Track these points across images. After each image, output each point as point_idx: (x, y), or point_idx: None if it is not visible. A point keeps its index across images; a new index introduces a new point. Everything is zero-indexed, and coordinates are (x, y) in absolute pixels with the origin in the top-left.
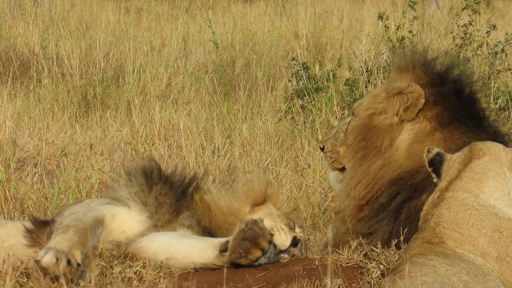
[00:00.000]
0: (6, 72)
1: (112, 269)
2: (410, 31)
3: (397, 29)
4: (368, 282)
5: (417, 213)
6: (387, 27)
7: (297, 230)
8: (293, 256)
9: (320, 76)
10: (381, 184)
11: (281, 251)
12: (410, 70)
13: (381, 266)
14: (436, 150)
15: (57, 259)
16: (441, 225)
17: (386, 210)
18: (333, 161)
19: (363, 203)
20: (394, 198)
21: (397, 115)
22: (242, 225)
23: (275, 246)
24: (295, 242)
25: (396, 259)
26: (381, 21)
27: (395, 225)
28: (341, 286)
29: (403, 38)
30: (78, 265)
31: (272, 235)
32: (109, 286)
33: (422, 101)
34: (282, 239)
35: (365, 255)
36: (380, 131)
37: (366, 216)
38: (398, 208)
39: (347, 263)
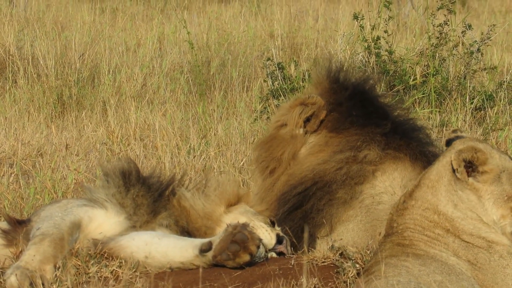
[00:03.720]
0: None
1: (88, 269)
2: (386, 31)
3: (372, 29)
4: (344, 282)
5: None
6: (362, 27)
7: (277, 228)
8: (280, 253)
9: (296, 76)
10: (284, 190)
11: (267, 250)
12: (318, 84)
13: (357, 266)
14: (459, 133)
15: (20, 282)
16: (409, 230)
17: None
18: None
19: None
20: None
21: (300, 126)
22: (230, 228)
23: (264, 247)
24: (279, 239)
25: (369, 259)
26: (357, 21)
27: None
28: (317, 286)
29: (378, 38)
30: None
31: (260, 240)
32: (85, 286)
33: (324, 112)
34: (267, 237)
35: (341, 254)
36: (281, 142)
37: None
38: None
39: (323, 262)
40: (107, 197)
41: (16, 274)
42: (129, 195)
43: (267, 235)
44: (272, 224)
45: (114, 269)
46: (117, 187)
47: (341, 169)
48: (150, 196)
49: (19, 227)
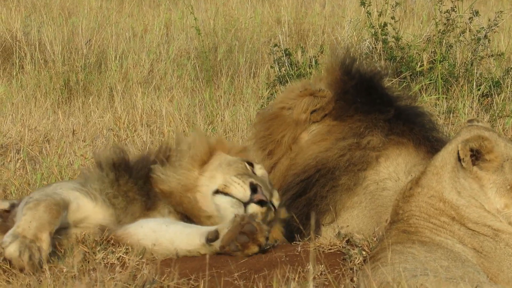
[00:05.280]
0: None
1: (95, 255)
2: (393, 17)
3: (379, 15)
4: (351, 269)
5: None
6: (369, 13)
7: (257, 167)
8: (260, 202)
9: (302, 63)
10: (287, 179)
11: (246, 204)
12: (331, 72)
13: (364, 253)
14: (475, 123)
15: (20, 252)
16: (414, 217)
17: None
18: None
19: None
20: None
21: (304, 113)
22: (238, 218)
23: (241, 201)
24: (252, 188)
25: (375, 246)
26: (363, 7)
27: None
28: (324, 272)
29: (385, 24)
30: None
31: (269, 230)
32: (91, 272)
33: (331, 105)
34: (240, 191)
35: (347, 241)
36: (282, 124)
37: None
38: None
39: (330, 249)
40: (100, 191)
41: (15, 245)
42: (121, 191)
43: (239, 188)
44: (250, 165)
45: (120, 256)
46: (110, 182)
47: (344, 156)
48: (139, 189)
49: (8, 213)
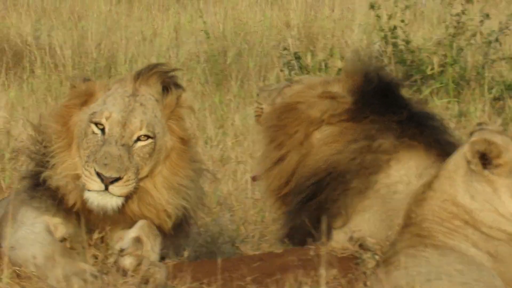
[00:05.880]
0: None
1: (107, 259)
2: (402, 21)
3: (389, 18)
4: (364, 273)
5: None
6: (379, 17)
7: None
8: None
9: (312, 66)
10: (297, 178)
11: None
12: (353, 75)
13: (376, 257)
14: (484, 126)
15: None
16: (427, 221)
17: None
18: (257, 115)
19: (283, 194)
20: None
21: (322, 115)
22: None
23: None
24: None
25: (387, 250)
26: (373, 10)
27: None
28: (336, 277)
29: (395, 27)
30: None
31: None
32: (104, 276)
33: (349, 114)
34: None
35: (360, 245)
36: (297, 119)
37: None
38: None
39: (342, 253)
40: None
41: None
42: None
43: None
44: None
45: None
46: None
47: (355, 159)
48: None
49: None
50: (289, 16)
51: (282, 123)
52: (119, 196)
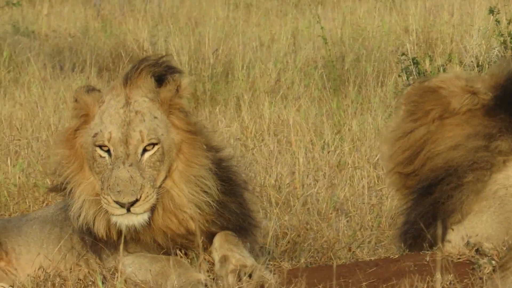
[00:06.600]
0: (116, 68)
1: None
2: None
3: (509, 23)
4: (480, 278)
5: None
6: (498, 22)
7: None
8: None
9: (430, 71)
10: (421, 159)
11: None
12: (495, 76)
13: (493, 262)
14: None
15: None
16: None
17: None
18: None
19: (405, 173)
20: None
21: (461, 107)
22: None
23: None
24: None
25: (503, 255)
26: (492, 15)
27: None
28: (453, 282)
29: None
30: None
31: None
32: (219, 282)
33: (484, 109)
34: None
35: (476, 250)
36: (436, 100)
37: (408, 194)
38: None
39: (459, 258)
40: None
41: None
42: None
43: None
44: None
45: None
46: None
47: (470, 156)
48: None
49: None
50: (408, 21)
51: (422, 99)
52: (143, 212)
